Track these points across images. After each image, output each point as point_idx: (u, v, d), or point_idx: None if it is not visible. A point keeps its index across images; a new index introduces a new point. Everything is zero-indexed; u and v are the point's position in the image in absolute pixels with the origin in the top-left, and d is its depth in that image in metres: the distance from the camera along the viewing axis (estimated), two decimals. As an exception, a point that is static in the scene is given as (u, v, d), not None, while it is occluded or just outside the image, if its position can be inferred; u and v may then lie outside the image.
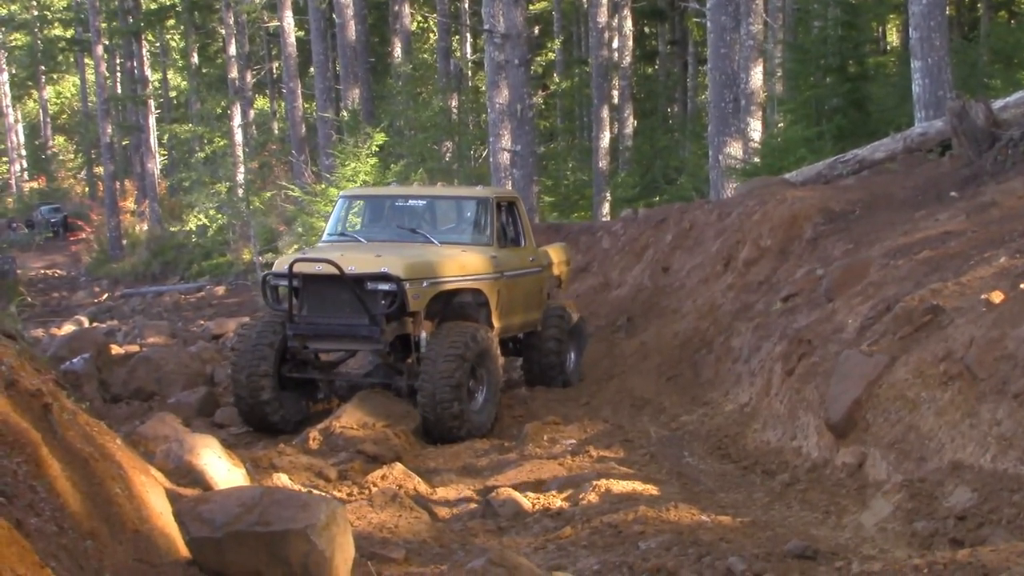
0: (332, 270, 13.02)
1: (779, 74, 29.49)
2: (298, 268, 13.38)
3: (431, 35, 49.46)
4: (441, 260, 13.83)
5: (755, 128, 24.79)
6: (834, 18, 23.07)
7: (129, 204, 58.57)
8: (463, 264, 14.02)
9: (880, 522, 7.97)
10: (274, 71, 54.66)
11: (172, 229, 49.15)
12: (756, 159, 23.01)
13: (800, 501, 9.17)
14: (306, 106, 46.06)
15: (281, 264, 13.90)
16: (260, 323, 14.27)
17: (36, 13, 70.53)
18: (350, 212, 15.70)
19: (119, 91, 59.83)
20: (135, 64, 55.02)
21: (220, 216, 39.86)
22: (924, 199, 14.42)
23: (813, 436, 10.08)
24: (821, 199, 15.46)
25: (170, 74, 65.77)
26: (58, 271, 53.92)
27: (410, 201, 15.35)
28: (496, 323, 14.34)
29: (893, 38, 43.91)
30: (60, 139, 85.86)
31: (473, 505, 10.12)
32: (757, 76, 25.45)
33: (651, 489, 9.74)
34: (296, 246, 25.09)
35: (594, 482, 9.81)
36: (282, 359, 13.94)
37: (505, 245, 14.84)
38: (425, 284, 13.32)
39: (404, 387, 13.55)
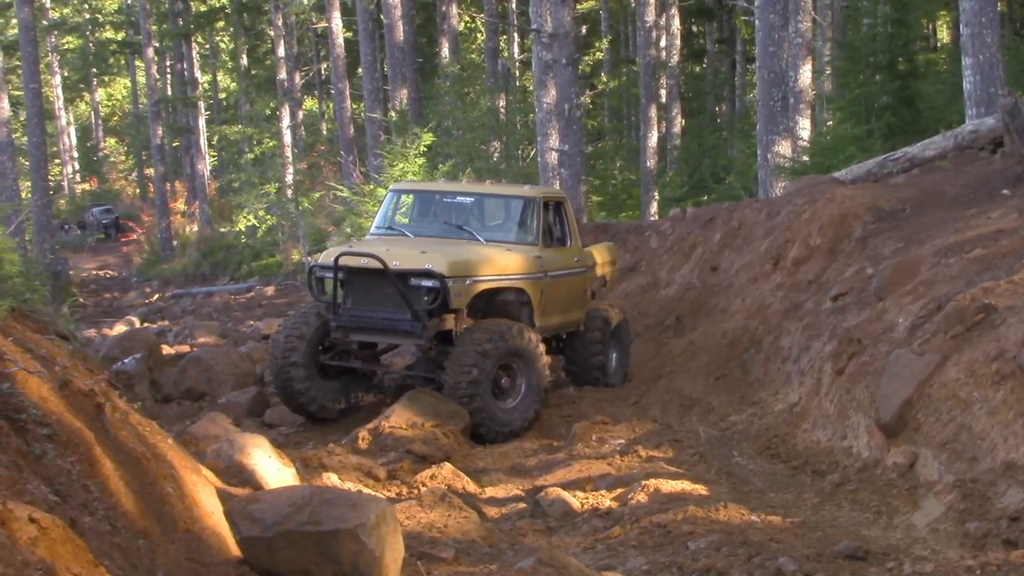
0: (377, 264, 13.19)
1: (828, 72, 29.31)
2: (343, 261, 13.60)
3: (479, 35, 49.45)
4: (484, 258, 13.93)
5: (804, 126, 24.66)
6: (884, 15, 22.90)
7: (179, 205, 58.88)
8: (506, 263, 14.10)
9: (932, 523, 7.92)
10: (322, 72, 54.86)
11: (222, 230, 49.43)
12: (805, 157, 22.89)
13: (851, 501, 9.12)
14: (354, 107, 46.16)
15: (327, 256, 14.13)
16: (296, 313, 14.57)
17: (88, 16, 70.98)
18: (399, 206, 15.82)
19: (169, 93, 60.09)
20: (185, 66, 55.36)
21: (269, 217, 40.06)
22: (975, 197, 14.31)
23: (863, 436, 10.03)
24: (871, 197, 15.37)
25: (219, 76, 66.08)
26: (110, 272, 54.29)
27: (458, 198, 15.44)
28: (538, 322, 14.41)
29: (943, 35, 43.56)
30: (111, 141, 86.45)
31: (522, 505, 10.14)
32: (806, 74, 25.31)
33: (700, 489, 9.72)
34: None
35: (643, 482, 9.80)
36: (324, 348, 14.22)
37: (551, 245, 14.87)
38: (468, 282, 13.45)
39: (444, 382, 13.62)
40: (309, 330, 14.10)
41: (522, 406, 13.55)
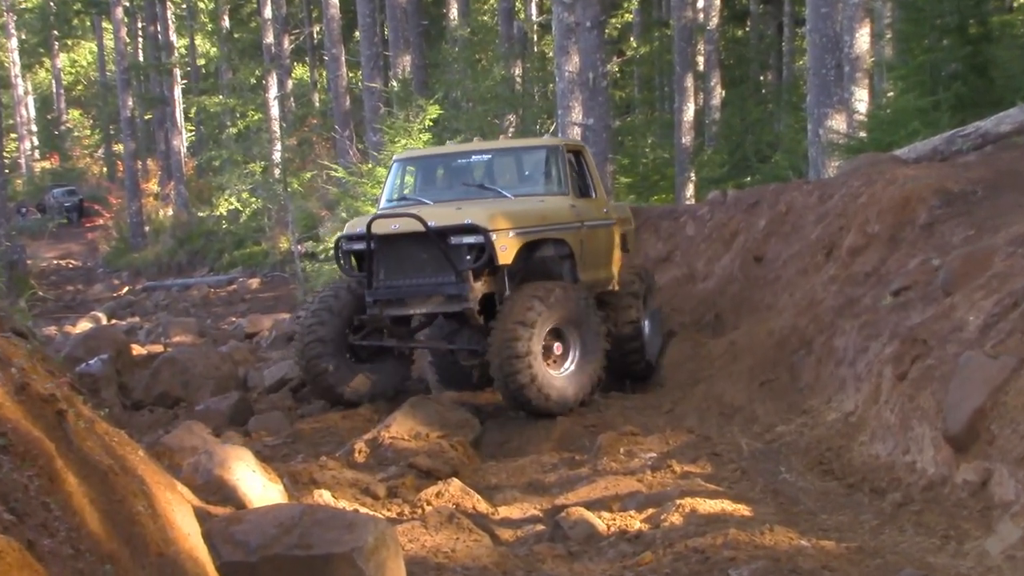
0: (411, 227, 13.54)
1: (889, 36, 29.26)
2: (377, 228, 13.83)
3: (491, -6, 49.55)
4: (524, 209, 14.31)
5: (861, 98, 24.62)
6: (952, -29, 22.87)
7: (152, 186, 59.08)
8: (546, 213, 14.48)
9: (1007, 549, 7.89)
10: (315, 36, 54.90)
11: (200, 214, 49.57)
12: (862, 133, 22.85)
13: (914, 524, 9.10)
14: (350, 75, 46.18)
15: (354, 226, 14.32)
16: (324, 290, 14.94)
17: (49, -29, 71.28)
18: (405, 179, 15.95)
19: (141, 59, 60.25)
20: (159, 29, 55.47)
21: (254, 200, 40.12)
22: (1057, 178, 14.28)
23: (929, 450, 10.00)
24: (937, 178, 15.32)
25: (198, 40, 66.19)
26: (73, 261, 54.53)
27: (473, 157, 15.67)
28: (581, 276, 14.61)
29: (1021, -6, 43.46)
30: (75, 113, 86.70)
31: (540, 526, 10.13)
32: (863, 38, 25.25)
33: (743, 509, 9.70)
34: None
35: (677, 501, 9.79)
36: (354, 329, 14.56)
37: (580, 195, 15.16)
38: (511, 234, 13.71)
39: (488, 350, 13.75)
40: (329, 315, 14.42)
41: (577, 375, 13.73)
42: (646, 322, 16.24)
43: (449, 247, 13.55)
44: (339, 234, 15.08)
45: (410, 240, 13.68)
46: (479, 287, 13.75)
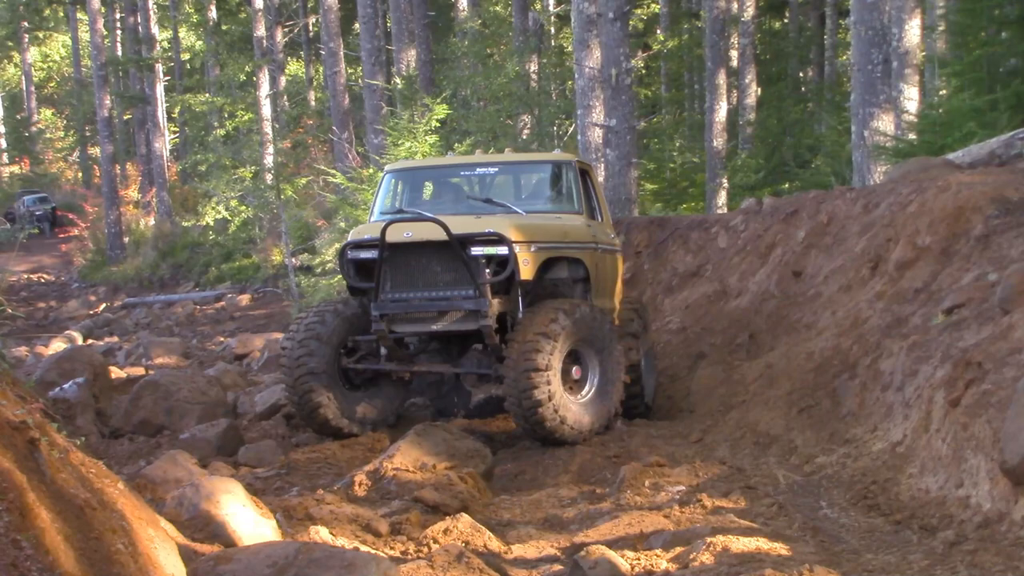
0: (425, 235, 13.55)
1: (941, 28, 29.25)
2: (391, 235, 13.77)
3: (505, -18, 49.62)
4: (546, 224, 14.43)
5: (910, 96, 24.59)
6: (1011, -43, 22.85)
7: (132, 193, 59.11)
8: (567, 230, 14.61)
9: (1070, 592, 7.90)
10: (310, 28, 54.98)
11: (185, 224, 49.62)
12: (911, 135, 22.84)
13: (968, 565, 9.10)
14: (350, 71, 46.26)
15: (363, 232, 14.41)
16: (307, 316, 14.82)
17: (18, -42, 71.34)
18: (399, 192, 15.94)
19: (119, 53, 60.34)
20: (139, 20, 55.53)
21: (244, 208, 40.18)
22: None
23: (985, 483, 10.00)
24: (995, 185, 15.31)
25: (182, 32, 66.30)
26: (45, 275, 54.58)
27: (478, 169, 15.75)
28: (594, 301, 14.67)
29: (1087, -19, 43.41)
30: (47, 113, 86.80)
31: (557, 567, 10.14)
32: (913, 31, 25.24)
33: (780, 548, 9.71)
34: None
35: (708, 539, 9.79)
36: (347, 351, 14.61)
37: (590, 217, 15.29)
38: (532, 248, 13.83)
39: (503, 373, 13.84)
40: (326, 330, 14.38)
41: (596, 402, 13.77)
42: (642, 362, 16.21)
43: (469, 258, 13.60)
44: (345, 240, 15.01)
45: (423, 249, 13.73)
46: (499, 303, 13.81)
